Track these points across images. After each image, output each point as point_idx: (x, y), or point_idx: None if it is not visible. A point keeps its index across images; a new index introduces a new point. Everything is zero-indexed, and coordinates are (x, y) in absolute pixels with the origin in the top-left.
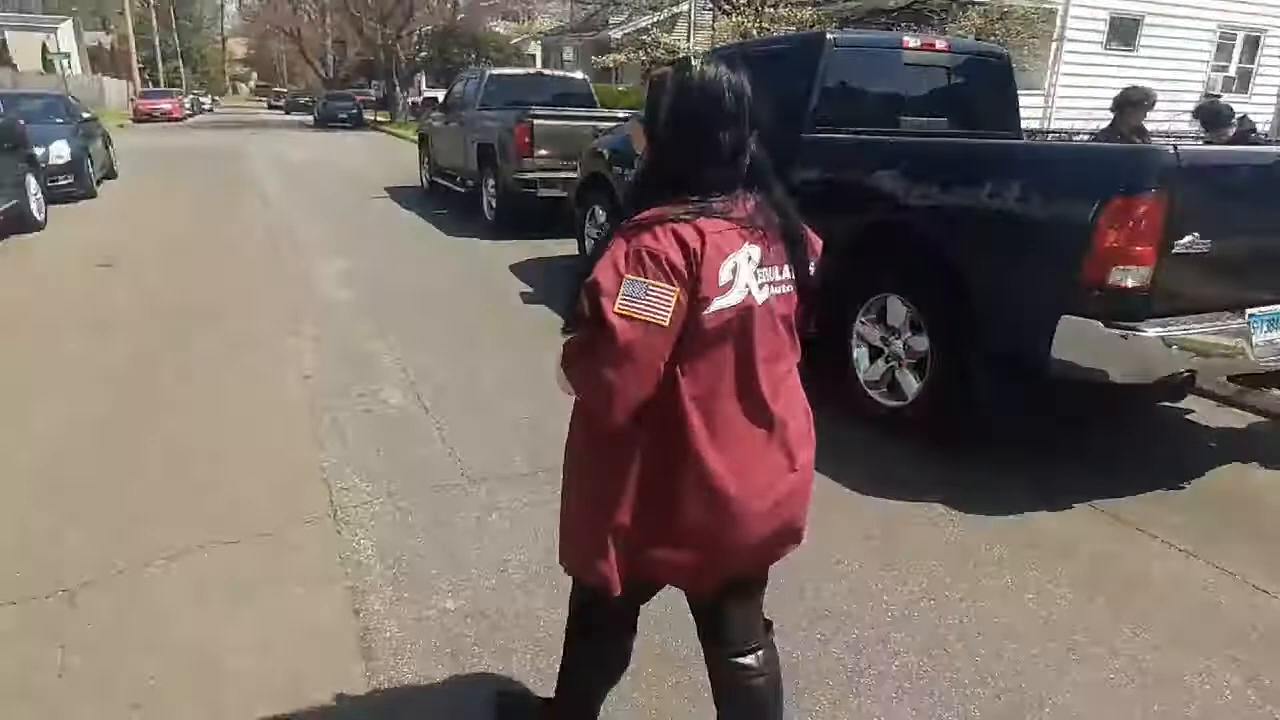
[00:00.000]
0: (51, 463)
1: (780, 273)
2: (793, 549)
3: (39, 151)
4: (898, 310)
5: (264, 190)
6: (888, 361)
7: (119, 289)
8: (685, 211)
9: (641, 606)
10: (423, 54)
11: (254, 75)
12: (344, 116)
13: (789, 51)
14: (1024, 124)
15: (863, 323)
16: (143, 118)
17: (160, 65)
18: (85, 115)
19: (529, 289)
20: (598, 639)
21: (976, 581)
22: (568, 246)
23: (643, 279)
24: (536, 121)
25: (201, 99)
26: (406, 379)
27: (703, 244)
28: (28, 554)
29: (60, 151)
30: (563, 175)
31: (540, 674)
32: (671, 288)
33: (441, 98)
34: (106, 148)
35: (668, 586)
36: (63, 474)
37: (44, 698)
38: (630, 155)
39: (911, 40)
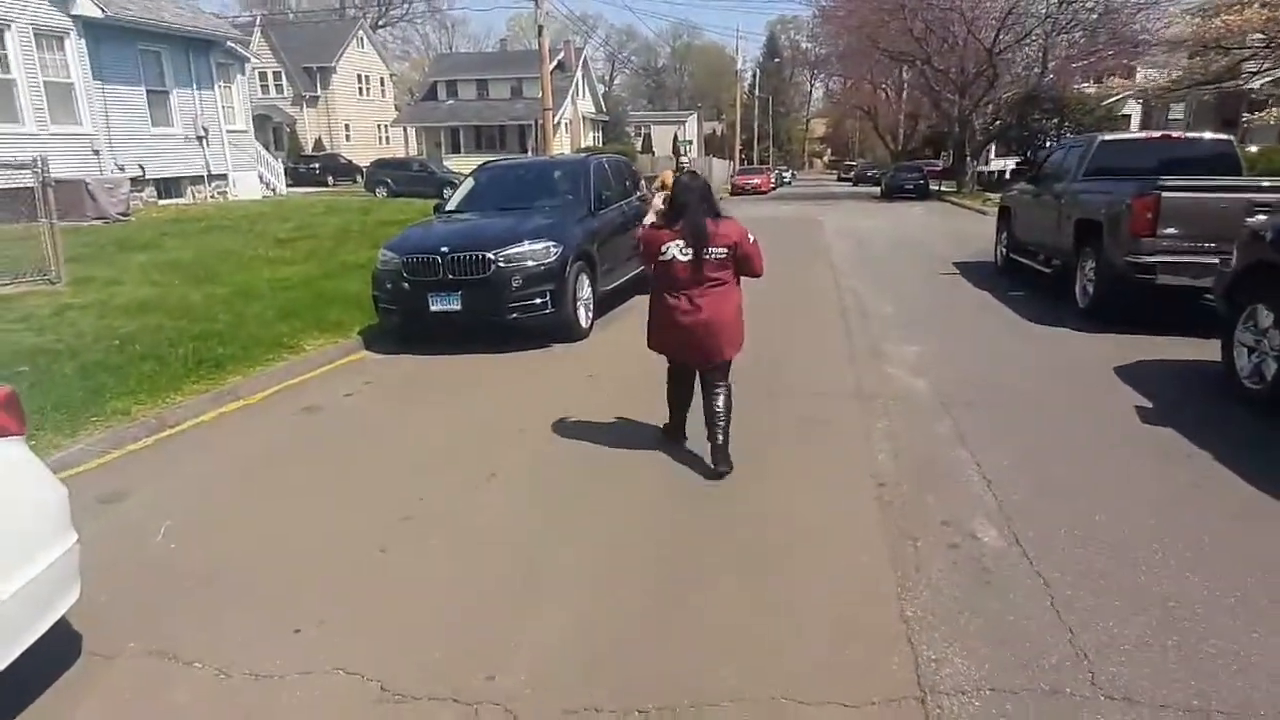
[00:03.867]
0: (622, 550)
1: (695, 251)
2: (721, 359)
3: None
4: None
5: (834, 258)
6: None
7: None
8: (656, 228)
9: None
10: (998, 122)
11: (828, 150)
12: (910, 188)
13: None
14: None
15: None
16: (738, 191)
17: (755, 145)
18: None
19: (1145, 402)
20: (672, 383)
21: None
22: (1195, 349)
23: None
24: (1165, 194)
25: (784, 174)
26: (999, 508)
27: (660, 238)
28: (600, 666)
29: None
30: (1193, 260)
31: None
32: (647, 246)
33: (1011, 167)
34: None
35: None
36: (622, 575)
37: None
38: None
39: None
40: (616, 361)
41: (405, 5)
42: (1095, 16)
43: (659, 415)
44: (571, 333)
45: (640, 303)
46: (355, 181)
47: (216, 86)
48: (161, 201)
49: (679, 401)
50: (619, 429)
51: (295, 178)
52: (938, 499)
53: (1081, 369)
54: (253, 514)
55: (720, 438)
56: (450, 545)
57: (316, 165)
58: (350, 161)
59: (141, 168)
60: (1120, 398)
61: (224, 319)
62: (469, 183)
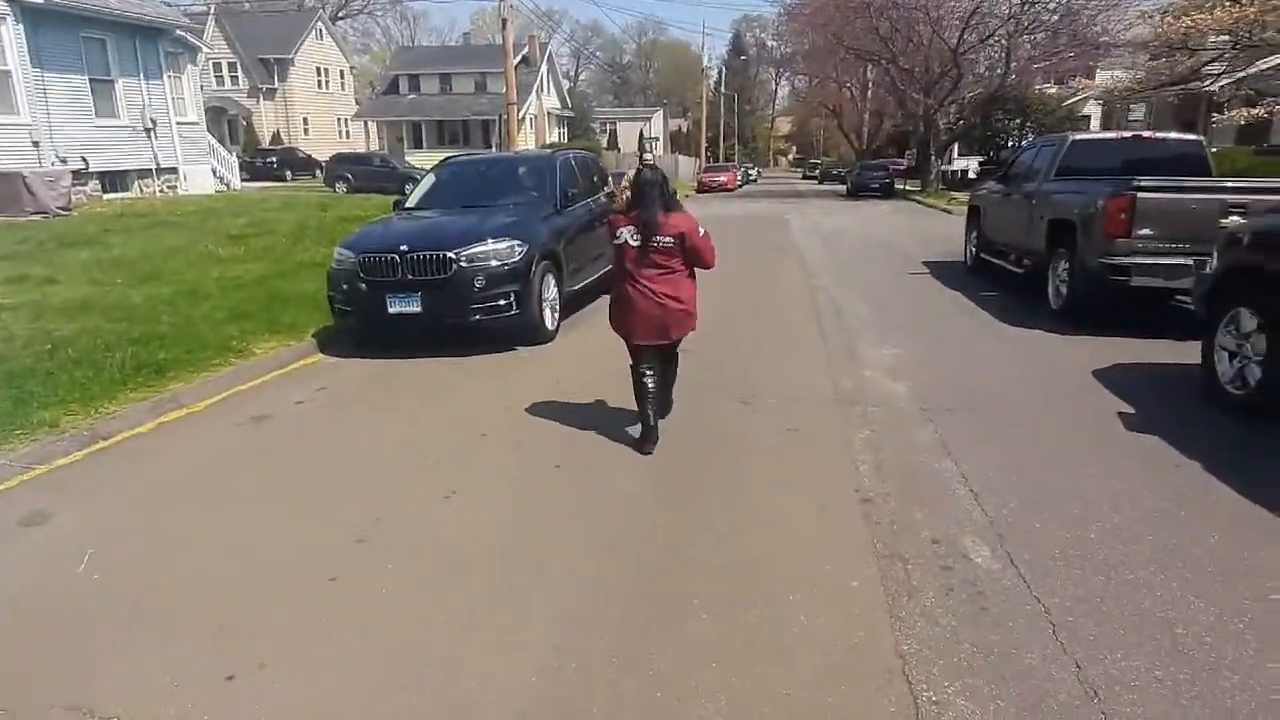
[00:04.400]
0: (606, 554)
1: (644, 238)
2: (667, 340)
3: None
4: None
5: (803, 257)
6: None
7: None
8: (617, 214)
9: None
10: (961, 121)
11: (793, 148)
12: (876, 186)
13: None
14: None
15: None
16: (705, 188)
17: (721, 143)
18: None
19: (1127, 407)
20: (635, 369)
21: None
22: (1172, 351)
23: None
24: (1141, 195)
25: (750, 171)
26: (989, 524)
27: (617, 222)
28: (575, 714)
29: None
30: (1167, 262)
31: None
32: (608, 230)
33: (974, 166)
34: None
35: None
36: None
37: None
38: None
39: None
40: (584, 365)
41: None
42: (1056, 18)
43: (627, 422)
44: (537, 335)
45: (607, 304)
46: (314, 176)
47: (165, 76)
48: (107, 196)
49: (644, 389)
50: (586, 438)
51: (252, 172)
52: (926, 515)
53: (1060, 373)
54: (188, 538)
55: (665, 396)
56: (408, 571)
57: (274, 159)
58: (309, 156)
59: (85, 160)
60: (1102, 403)
61: (168, 321)
62: (430, 179)
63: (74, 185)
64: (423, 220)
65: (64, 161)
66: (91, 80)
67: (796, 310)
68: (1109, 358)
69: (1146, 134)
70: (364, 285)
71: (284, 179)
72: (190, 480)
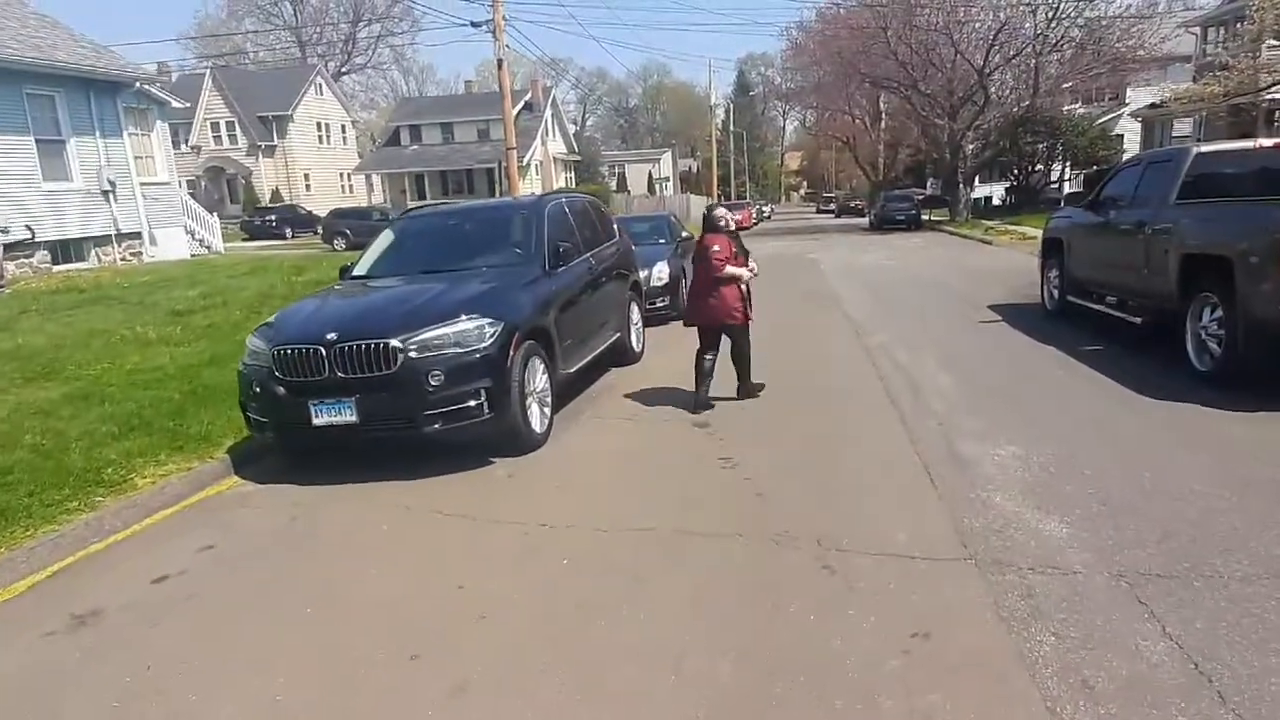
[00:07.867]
0: None
1: (697, 255)
2: (715, 326)
3: (642, 274)
4: None
5: (846, 306)
6: None
7: (730, 453)
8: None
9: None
10: (987, 147)
11: (804, 183)
12: (902, 218)
13: None
14: None
15: None
16: None
17: (731, 181)
18: (684, 235)
19: None
20: (700, 351)
21: None
22: None
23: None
24: None
25: (764, 208)
26: None
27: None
28: None
29: (661, 273)
30: None
31: None
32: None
33: (999, 193)
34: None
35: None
36: None
37: None
38: None
39: None
40: (585, 491)
41: (369, 52)
42: (1084, 34)
43: (658, 624)
44: (520, 443)
45: (617, 380)
46: (316, 233)
47: (125, 134)
48: (58, 267)
49: (704, 369)
50: (586, 666)
51: (251, 231)
52: None
53: (1260, 472)
54: None
55: (741, 377)
56: None
57: (274, 218)
58: (310, 212)
59: (30, 229)
60: None
61: (29, 441)
62: (386, 236)
63: (15, 257)
64: (368, 294)
65: (5, 231)
66: (38, 140)
67: (857, 386)
68: None
69: None
70: (281, 389)
71: (285, 237)
72: None
